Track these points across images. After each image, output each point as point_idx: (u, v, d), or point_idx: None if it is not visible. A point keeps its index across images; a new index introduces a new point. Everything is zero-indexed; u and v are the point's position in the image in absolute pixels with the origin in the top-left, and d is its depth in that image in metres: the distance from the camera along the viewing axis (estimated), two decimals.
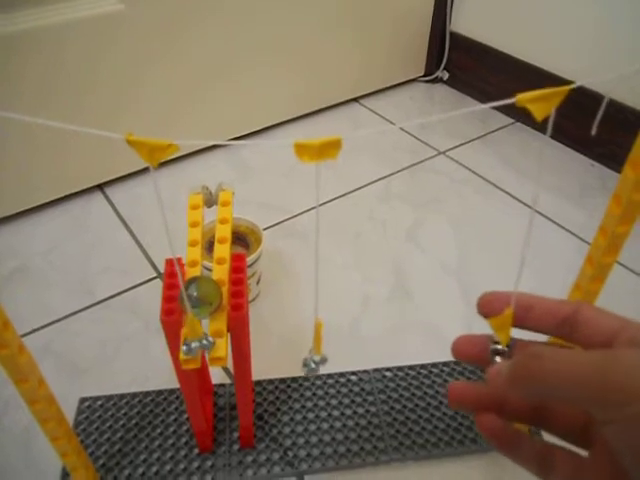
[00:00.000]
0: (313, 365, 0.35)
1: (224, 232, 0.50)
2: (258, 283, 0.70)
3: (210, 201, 0.60)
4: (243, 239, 0.69)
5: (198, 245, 0.48)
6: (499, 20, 1.05)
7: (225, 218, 0.52)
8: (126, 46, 0.79)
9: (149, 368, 0.64)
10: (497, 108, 1.11)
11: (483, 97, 1.13)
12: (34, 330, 0.68)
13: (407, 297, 0.72)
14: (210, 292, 0.44)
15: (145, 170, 0.93)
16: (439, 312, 0.70)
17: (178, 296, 0.43)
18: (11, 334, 0.37)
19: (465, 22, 1.12)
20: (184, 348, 0.38)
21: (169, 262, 0.46)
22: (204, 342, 0.37)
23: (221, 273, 0.46)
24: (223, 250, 0.48)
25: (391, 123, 1.07)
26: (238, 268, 0.46)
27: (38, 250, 0.79)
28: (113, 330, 0.68)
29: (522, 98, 0.28)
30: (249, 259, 0.64)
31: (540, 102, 0.29)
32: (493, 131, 1.05)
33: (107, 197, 0.89)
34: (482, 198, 0.89)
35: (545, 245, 0.80)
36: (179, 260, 0.47)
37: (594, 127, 0.34)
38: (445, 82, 1.19)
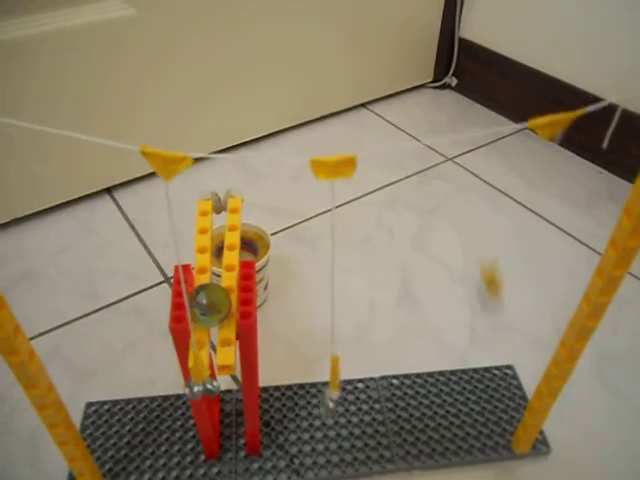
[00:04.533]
0: (331, 405, 0.34)
1: (233, 239, 0.50)
2: (266, 288, 0.70)
3: (219, 207, 0.60)
4: (251, 245, 0.69)
5: (207, 252, 0.48)
6: (508, 27, 1.05)
7: (234, 225, 0.52)
8: (136, 51, 0.80)
9: (155, 372, 0.64)
10: (505, 114, 1.11)
11: (492, 104, 1.13)
12: (41, 333, 0.68)
13: (413, 304, 0.72)
14: (219, 299, 0.44)
15: (153, 174, 0.94)
16: (445, 319, 0.70)
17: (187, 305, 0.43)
18: (21, 340, 0.37)
19: (474, 28, 1.11)
20: (187, 391, 0.37)
21: (178, 269, 0.46)
22: (209, 387, 0.37)
23: (230, 280, 0.46)
24: (232, 257, 0.48)
25: (400, 130, 1.07)
26: (247, 275, 0.46)
27: (46, 253, 0.79)
28: (120, 334, 0.68)
29: (533, 123, 0.28)
30: (257, 265, 0.64)
31: (550, 126, 0.29)
32: (501, 138, 1.05)
33: (115, 200, 0.89)
34: (489, 205, 0.89)
35: (551, 252, 0.80)
36: (188, 267, 0.47)
37: (605, 140, 0.34)
38: (453, 88, 1.19)
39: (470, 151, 1.01)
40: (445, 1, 1.10)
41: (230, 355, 0.41)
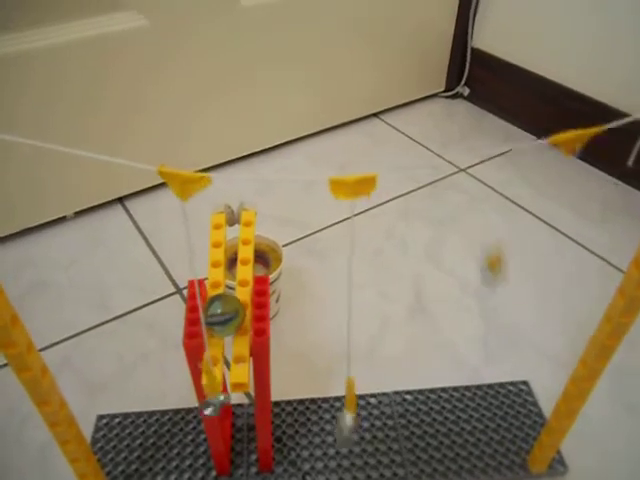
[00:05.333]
0: (346, 433, 0.34)
1: (247, 253, 0.49)
2: (277, 301, 0.69)
3: (232, 220, 0.59)
4: (263, 257, 0.69)
5: (221, 266, 0.48)
6: (520, 36, 1.04)
7: (247, 239, 0.51)
8: (145, 60, 0.80)
9: (167, 385, 0.63)
10: (517, 124, 1.10)
11: (504, 114, 1.12)
12: (52, 344, 0.68)
13: (426, 317, 0.71)
14: (233, 309, 0.43)
15: (165, 184, 0.93)
16: (458, 333, 0.69)
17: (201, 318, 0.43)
18: (34, 357, 0.37)
19: (486, 38, 1.11)
20: (208, 411, 0.37)
21: (192, 284, 0.46)
22: (221, 398, 0.37)
23: (244, 295, 0.45)
24: (246, 272, 0.48)
25: (412, 140, 1.06)
26: (261, 291, 0.45)
27: (57, 263, 0.79)
28: (131, 346, 0.68)
29: (555, 140, 0.28)
30: (270, 278, 0.64)
31: (571, 142, 0.29)
32: (514, 148, 1.04)
33: (127, 210, 0.89)
34: (503, 216, 0.88)
35: (565, 265, 0.78)
36: (202, 282, 0.46)
37: (631, 158, 0.33)
38: (466, 98, 1.19)
39: (483, 162, 1.00)
40: (458, 11, 1.10)
41: (244, 372, 0.41)
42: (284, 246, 0.82)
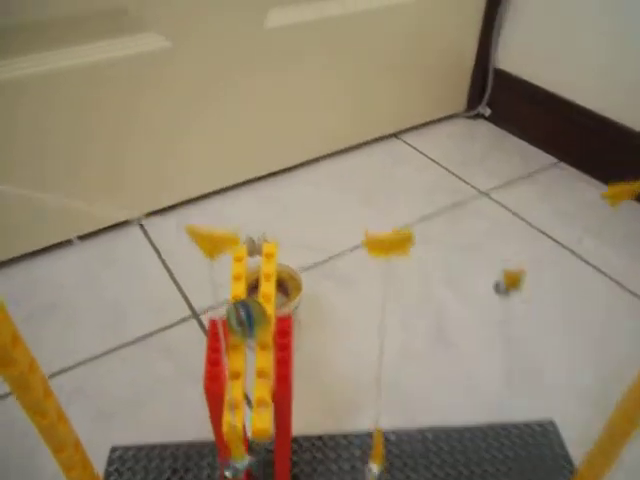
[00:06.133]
0: None
1: (268, 289, 0.48)
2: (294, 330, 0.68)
3: (253, 251, 0.58)
4: (283, 285, 0.67)
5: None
6: (544, 58, 1.03)
7: (269, 274, 0.50)
8: (169, 85, 0.79)
9: (182, 416, 0.62)
10: (541, 147, 1.08)
11: (525, 136, 1.11)
12: (63, 370, 0.67)
13: (447, 348, 0.69)
14: (258, 313, 0.43)
15: (183, 203, 0.93)
16: (480, 367, 0.67)
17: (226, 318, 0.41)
18: (52, 403, 0.35)
19: (510, 58, 1.09)
20: (229, 473, 0.35)
21: (213, 324, 0.44)
22: (246, 463, 0.35)
23: (263, 391, 0.43)
24: (265, 359, 0.46)
25: (432, 161, 1.05)
26: (284, 332, 0.44)
27: (70, 283, 0.78)
28: (145, 373, 0.67)
29: (607, 194, 0.27)
30: (289, 306, 0.62)
31: (621, 195, 0.27)
32: (536, 171, 1.02)
33: (143, 228, 0.88)
34: (525, 243, 0.86)
35: (591, 297, 0.76)
36: (224, 322, 0.45)
37: None
38: (487, 118, 1.17)
39: (504, 185, 0.98)
40: (481, 30, 1.09)
41: (267, 418, 0.39)
42: (303, 271, 0.80)
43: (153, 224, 0.89)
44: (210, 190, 0.94)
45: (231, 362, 0.39)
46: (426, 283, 0.79)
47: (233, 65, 0.83)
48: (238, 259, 0.52)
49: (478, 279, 0.79)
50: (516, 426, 0.60)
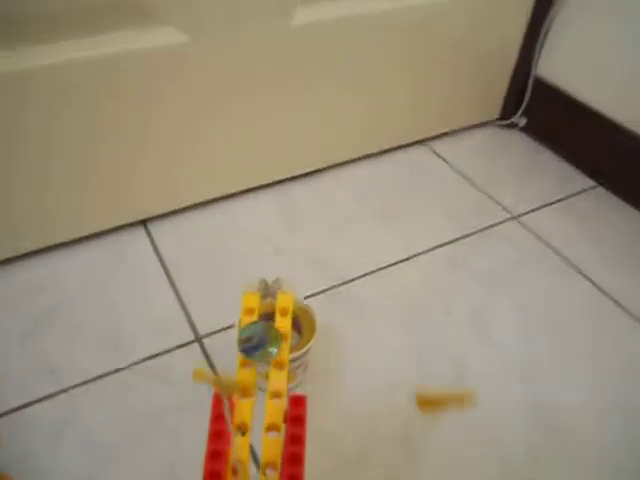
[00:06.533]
0: None
1: (282, 355, 0.43)
2: (305, 370, 0.63)
3: (266, 295, 0.53)
4: (295, 322, 0.62)
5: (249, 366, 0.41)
6: (588, 71, 0.95)
7: (285, 334, 0.44)
8: (185, 81, 0.73)
9: (179, 459, 0.57)
10: (578, 167, 1.01)
11: (562, 151, 1.03)
12: (57, 392, 0.62)
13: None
14: (270, 336, 0.45)
15: (193, 207, 0.87)
16: (503, 429, 0.62)
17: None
18: None
19: (552, 68, 1.01)
20: None
21: (217, 401, 0.39)
22: None
23: (275, 414, 0.39)
24: (279, 379, 0.41)
25: (459, 174, 0.98)
26: (297, 418, 0.38)
27: (67, 291, 0.73)
28: (144, 403, 0.62)
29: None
30: (303, 351, 0.57)
31: None
32: (573, 195, 0.95)
33: (150, 234, 0.83)
34: (557, 280, 0.79)
35: (632, 354, 0.70)
36: (230, 401, 0.39)
37: None
38: (522, 129, 1.09)
39: (537, 209, 0.92)
40: (525, 33, 1.00)
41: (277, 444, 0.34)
42: (313, 296, 0.75)
43: (160, 227, 0.84)
44: (221, 194, 0.88)
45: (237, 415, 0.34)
46: (448, 319, 0.73)
47: (254, 63, 0.76)
48: (249, 312, 0.46)
49: (503, 320, 0.73)
50: None
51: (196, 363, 0.66)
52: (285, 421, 0.38)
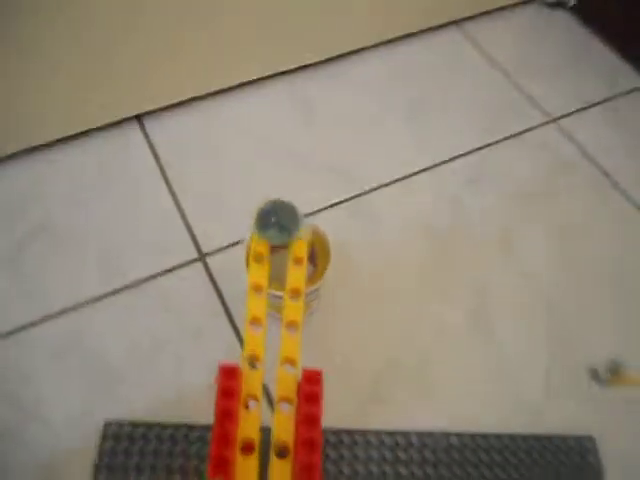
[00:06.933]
0: None
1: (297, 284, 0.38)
2: (318, 298, 0.59)
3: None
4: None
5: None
6: None
7: (298, 287, 0.39)
8: None
9: (182, 385, 0.55)
10: (630, 62, 0.88)
11: (614, 41, 0.90)
12: (56, 314, 0.59)
13: (488, 332, 0.61)
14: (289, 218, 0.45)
15: (191, 100, 0.77)
16: (522, 361, 0.59)
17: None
18: None
19: None
20: None
21: (224, 370, 0.34)
22: None
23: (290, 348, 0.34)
24: (295, 311, 0.36)
25: (494, 65, 0.86)
26: (312, 396, 0.34)
27: (60, 198, 0.67)
28: (146, 327, 0.59)
29: None
30: (317, 285, 0.53)
31: None
32: (623, 94, 0.84)
33: (145, 133, 0.74)
34: (595, 198, 0.72)
35: None
36: (235, 371, 0.35)
37: None
38: (571, 9, 0.94)
39: (580, 110, 0.81)
40: None
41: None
42: (328, 208, 0.69)
43: (157, 124, 0.75)
44: (224, 86, 0.78)
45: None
46: (472, 239, 0.68)
47: None
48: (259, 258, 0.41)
49: (532, 244, 0.68)
50: (551, 440, 0.54)
51: (199, 286, 0.62)
52: (298, 395, 0.34)
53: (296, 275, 0.40)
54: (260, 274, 0.41)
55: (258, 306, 0.39)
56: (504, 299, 0.63)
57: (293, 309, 0.39)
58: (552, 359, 0.59)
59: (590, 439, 0.55)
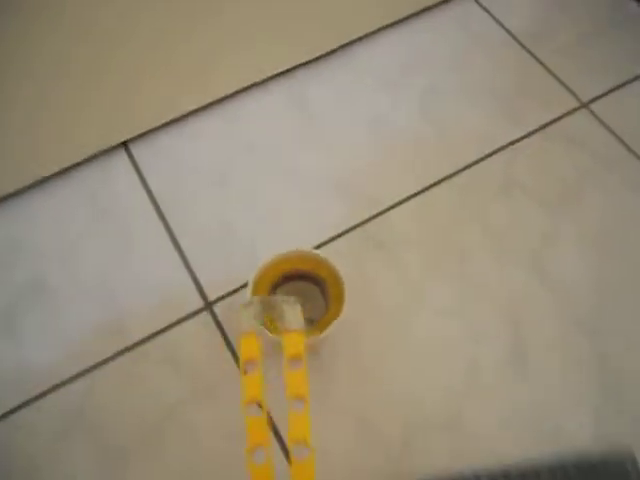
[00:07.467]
0: None
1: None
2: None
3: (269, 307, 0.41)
4: (320, 284, 0.51)
5: None
6: None
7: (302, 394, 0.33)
8: None
9: (198, 460, 0.51)
10: None
11: None
12: (48, 390, 0.54)
13: (524, 366, 0.55)
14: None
15: (173, 122, 0.69)
16: (564, 394, 0.54)
17: None
18: None
19: None
20: None
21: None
22: None
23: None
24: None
25: (515, 42, 0.76)
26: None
27: (51, 251, 0.62)
28: (153, 392, 0.54)
29: None
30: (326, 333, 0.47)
31: None
32: None
33: (133, 161, 0.67)
34: (637, 197, 0.65)
35: None
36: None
37: None
38: None
39: (614, 90, 0.72)
40: None
41: None
42: (338, 237, 0.62)
43: (144, 153, 0.68)
44: (215, 97, 0.70)
45: None
46: (502, 258, 0.61)
47: None
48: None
49: (568, 258, 0.61)
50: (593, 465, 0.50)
51: (207, 339, 0.57)
52: None
53: (295, 379, 0.34)
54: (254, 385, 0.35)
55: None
56: (541, 326, 0.57)
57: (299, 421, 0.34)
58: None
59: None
